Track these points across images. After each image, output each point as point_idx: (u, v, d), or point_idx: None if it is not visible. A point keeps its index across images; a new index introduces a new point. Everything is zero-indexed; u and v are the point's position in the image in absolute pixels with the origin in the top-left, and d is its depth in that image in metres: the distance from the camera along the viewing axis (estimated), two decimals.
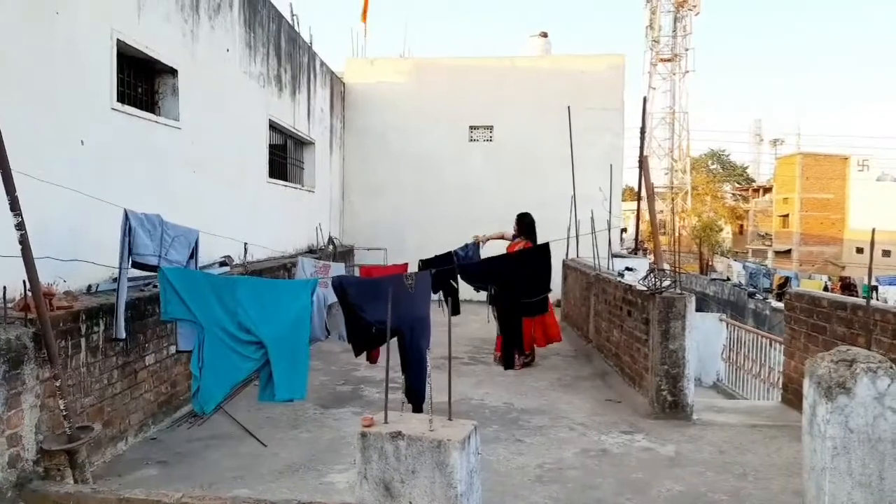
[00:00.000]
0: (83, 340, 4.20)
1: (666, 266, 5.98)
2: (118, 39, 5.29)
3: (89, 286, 4.82)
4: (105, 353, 4.43)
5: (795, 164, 41.49)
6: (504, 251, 7.33)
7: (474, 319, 9.56)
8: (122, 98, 5.47)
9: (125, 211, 4.28)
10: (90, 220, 4.74)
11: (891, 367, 2.90)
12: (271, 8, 9.18)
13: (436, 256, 7.30)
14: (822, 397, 2.97)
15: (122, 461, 4.49)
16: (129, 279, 4.71)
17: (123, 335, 4.35)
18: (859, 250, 37.31)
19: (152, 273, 4.57)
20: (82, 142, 4.83)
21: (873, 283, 19.02)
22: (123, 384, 4.68)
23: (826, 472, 2.92)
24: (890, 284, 19.40)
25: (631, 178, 45.95)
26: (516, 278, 5.38)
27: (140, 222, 4.31)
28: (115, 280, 4.56)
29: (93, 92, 5.02)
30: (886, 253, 32.94)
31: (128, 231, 4.18)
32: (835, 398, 2.91)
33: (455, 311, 6.49)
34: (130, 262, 4.30)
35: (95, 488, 3.63)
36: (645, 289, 5.84)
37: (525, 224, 7.62)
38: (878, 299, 16.63)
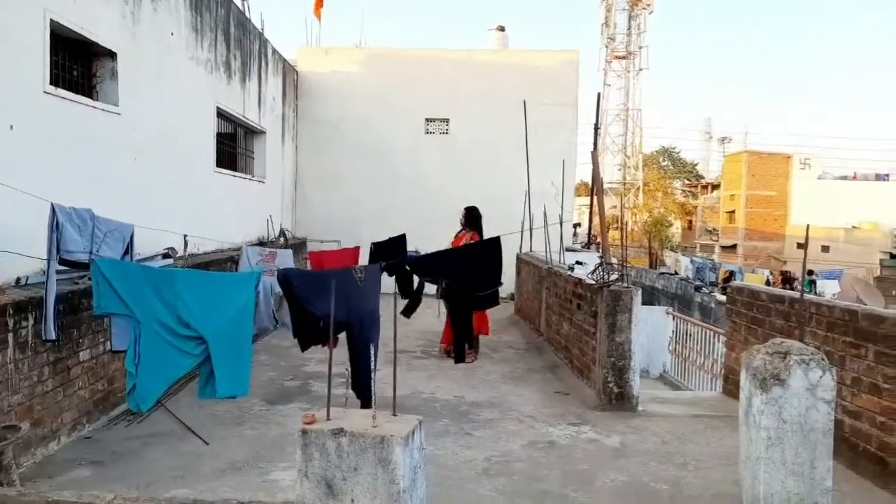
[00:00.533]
0: (10, 336, 3.98)
1: (614, 260, 6.06)
2: (52, 19, 5.02)
3: (18, 279, 4.57)
4: (35, 349, 4.22)
5: (742, 162, 42.88)
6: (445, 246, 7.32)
7: (428, 313, 9.50)
8: (56, 81, 5.20)
9: (52, 205, 4.06)
10: (20, 209, 4.48)
11: (823, 360, 2.99)
12: None
13: (389, 239, 7.28)
14: (757, 388, 3.05)
15: (53, 462, 4.28)
16: (63, 271, 4.49)
17: (53, 336, 4.13)
18: (800, 245, 38.87)
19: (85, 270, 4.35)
20: (12, 127, 4.57)
21: (812, 277, 19.83)
22: (55, 381, 4.47)
23: (761, 461, 3.00)
24: (827, 278, 20.28)
25: (585, 173, 46.66)
26: (468, 271, 5.37)
27: (69, 217, 4.08)
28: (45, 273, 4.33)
29: (24, 74, 4.75)
30: (825, 248, 34.42)
31: (55, 227, 3.96)
32: (769, 389, 2.99)
33: (407, 294, 6.50)
34: (59, 260, 4.07)
35: (22, 491, 3.44)
36: (594, 282, 5.91)
37: (472, 217, 7.61)
38: (815, 292, 17.34)
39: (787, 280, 20.69)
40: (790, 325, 5.14)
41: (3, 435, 3.57)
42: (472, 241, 7.00)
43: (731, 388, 6.04)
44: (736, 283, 6.99)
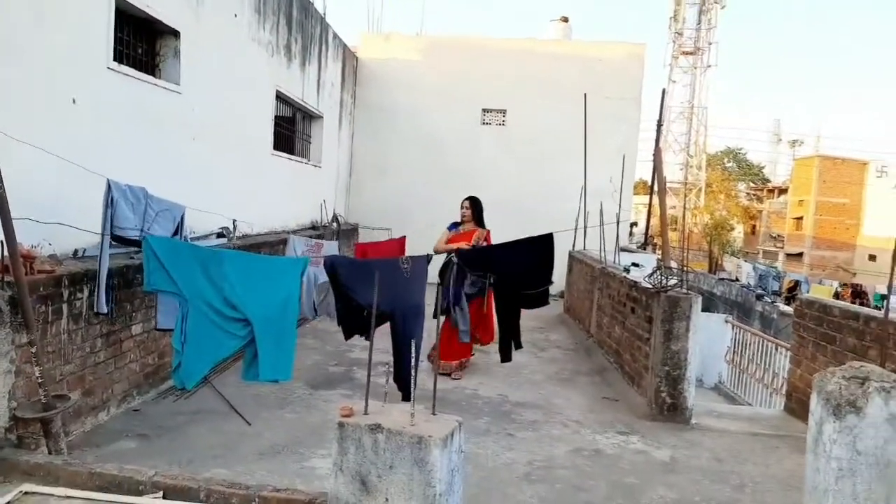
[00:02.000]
0: (65, 306, 4.06)
1: (673, 264, 5.77)
2: None
3: (76, 251, 4.68)
4: (88, 320, 4.30)
5: (813, 167, 40.88)
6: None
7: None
8: (119, 58, 5.28)
9: (108, 181, 4.11)
10: (78, 182, 4.57)
11: None
12: None
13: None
14: (830, 415, 2.78)
15: (101, 431, 4.37)
16: (118, 246, 4.56)
17: (105, 309, 4.20)
18: (872, 257, 36.83)
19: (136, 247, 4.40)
20: (74, 100, 4.66)
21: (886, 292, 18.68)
22: (107, 353, 4.56)
23: (829, 493, 2.74)
24: None
25: (644, 171, 45.44)
26: (518, 268, 5.19)
27: (123, 194, 4.13)
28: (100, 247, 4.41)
29: (88, 49, 4.83)
30: None
31: (110, 203, 4.01)
32: (844, 417, 2.73)
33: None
34: (111, 236, 4.13)
35: (67, 460, 3.51)
36: (650, 286, 5.65)
37: (479, 210, 6.63)
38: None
39: (857, 294, 19.57)
40: (864, 345, 4.77)
41: (53, 404, 3.64)
42: (483, 242, 6.27)
43: (793, 406, 5.69)
44: (805, 295, 6.57)
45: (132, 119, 5.46)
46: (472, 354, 6.59)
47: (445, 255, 6.20)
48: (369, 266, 4.45)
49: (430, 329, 5.04)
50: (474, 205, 6.62)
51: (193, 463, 3.99)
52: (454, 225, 6.69)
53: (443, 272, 6.06)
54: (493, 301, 5.40)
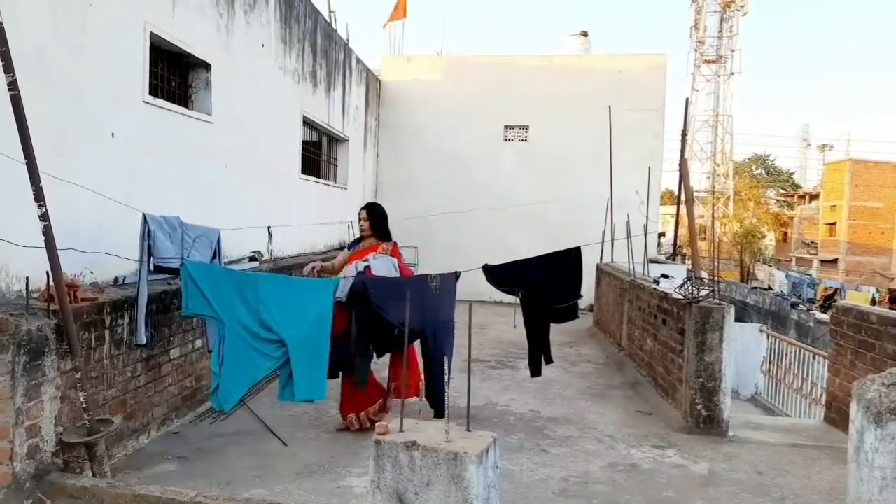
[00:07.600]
0: (107, 333, 4.19)
1: (704, 274, 5.72)
2: (151, 32, 5.30)
3: (116, 278, 4.83)
4: (129, 345, 4.42)
5: (844, 171, 40.06)
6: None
7: (502, 321, 9.41)
8: (154, 91, 5.48)
9: (143, 215, 4.26)
10: (119, 211, 4.74)
11: None
12: (308, 4, 9.17)
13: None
14: (870, 423, 2.73)
15: (143, 454, 4.48)
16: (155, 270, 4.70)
17: (143, 340, 4.30)
18: None
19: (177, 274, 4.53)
20: (113, 134, 4.84)
21: None
22: (147, 377, 4.68)
23: None
24: None
25: (670, 181, 44.96)
26: (546, 282, 5.20)
27: (159, 225, 4.27)
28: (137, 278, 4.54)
29: (125, 85, 5.03)
30: None
31: (147, 235, 4.15)
32: (885, 425, 2.68)
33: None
34: (153, 266, 4.26)
35: (111, 483, 3.61)
36: (681, 297, 5.60)
37: (378, 217, 5.32)
38: None
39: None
40: None
41: (97, 428, 3.75)
42: (383, 254, 5.16)
43: (833, 416, 5.57)
44: (841, 302, 6.45)
45: (167, 149, 5.65)
46: (388, 410, 5.15)
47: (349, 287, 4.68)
48: (399, 284, 4.51)
49: (461, 346, 5.06)
50: (372, 213, 5.32)
51: (232, 484, 4.06)
52: (355, 242, 5.49)
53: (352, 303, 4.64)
54: (524, 316, 5.38)
